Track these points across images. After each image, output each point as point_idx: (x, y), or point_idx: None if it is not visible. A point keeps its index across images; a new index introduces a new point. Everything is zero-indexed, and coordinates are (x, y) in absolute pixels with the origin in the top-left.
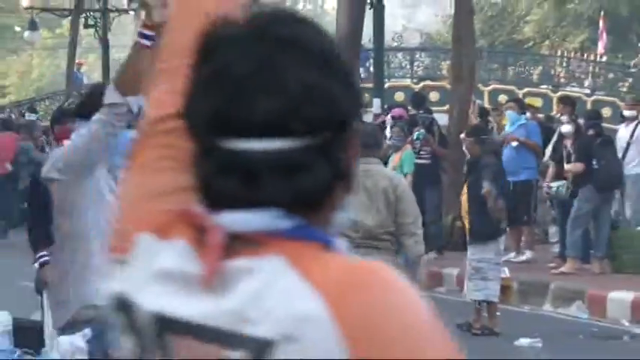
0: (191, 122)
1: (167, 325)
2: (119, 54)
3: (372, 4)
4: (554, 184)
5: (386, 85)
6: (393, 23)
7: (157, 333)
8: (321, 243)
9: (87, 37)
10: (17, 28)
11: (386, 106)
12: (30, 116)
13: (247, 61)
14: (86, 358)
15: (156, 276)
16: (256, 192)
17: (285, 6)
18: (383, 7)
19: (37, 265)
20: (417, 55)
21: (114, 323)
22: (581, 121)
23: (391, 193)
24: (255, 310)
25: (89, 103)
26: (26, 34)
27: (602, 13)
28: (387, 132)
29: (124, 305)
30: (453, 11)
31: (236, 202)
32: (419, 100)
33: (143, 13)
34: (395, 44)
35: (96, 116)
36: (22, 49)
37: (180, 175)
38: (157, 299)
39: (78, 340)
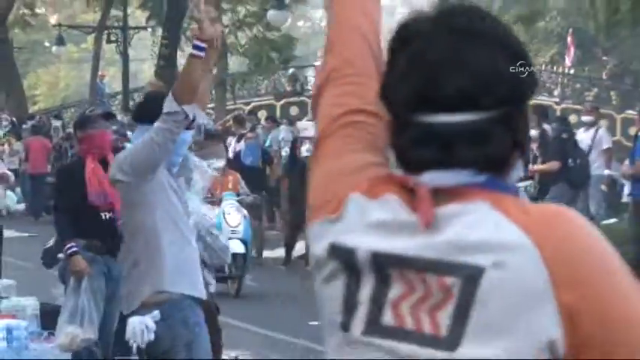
0: (392, 102)
1: (386, 261)
2: (137, 66)
3: None
4: (522, 184)
5: None
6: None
7: (377, 268)
8: (510, 193)
9: (109, 51)
10: (46, 44)
11: None
12: (55, 122)
13: (441, 49)
14: (152, 337)
15: (370, 226)
16: (451, 157)
17: (469, 1)
18: None
19: (63, 255)
20: None
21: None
22: (547, 126)
23: None
24: (467, 242)
25: (146, 110)
26: (54, 48)
27: (570, 30)
28: None
29: (340, 251)
30: None
31: (433, 165)
32: None
33: (195, 27)
34: None
35: (156, 123)
36: (50, 62)
37: (366, 154)
38: (375, 242)
39: (148, 320)
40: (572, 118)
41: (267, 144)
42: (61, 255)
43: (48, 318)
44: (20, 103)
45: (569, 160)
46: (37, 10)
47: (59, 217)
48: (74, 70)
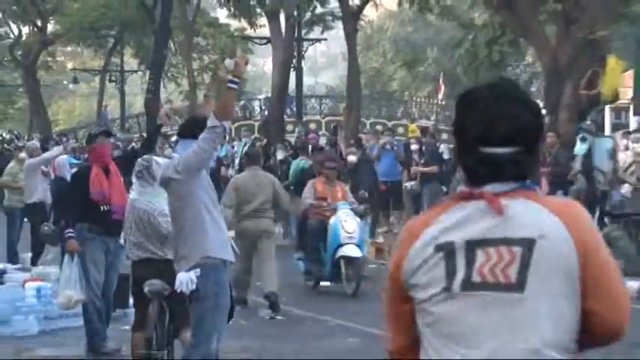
0: (466, 139)
1: (474, 243)
2: (131, 99)
3: (294, 67)
4: (408, 184)
5: (304, 119)
6: (308, 80)
7: (469, 249)
8: (535, 190)
9: (110, 88)
10: (65, 82)
11: (304, 132)
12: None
13: (497, 108)
14: (194, 287)
15: (455, 224)
16: (502, 174)
17: (508, 79)
18: (301, 69)
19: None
20: (324, 100)
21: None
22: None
23: (272, 185)
24: (521, 225)
25: (188, 128)
26: (71, 86)
27: (441, 73)
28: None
29: (440, 246)
30: (347, 72)
31: (490, 180)
32: (333, 129)
33: (229, 65)
34: (309, 93)
35: (202, 135)
36: (68, 96)
37: None
38: (461, 233)
39: (192, 275)
40: (444, 136)
41: (222, 154)
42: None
43: None
44: (46, 126)
45: (444, 166)
46: (58, 58)
47: (66, 208)
48: (85, 102)
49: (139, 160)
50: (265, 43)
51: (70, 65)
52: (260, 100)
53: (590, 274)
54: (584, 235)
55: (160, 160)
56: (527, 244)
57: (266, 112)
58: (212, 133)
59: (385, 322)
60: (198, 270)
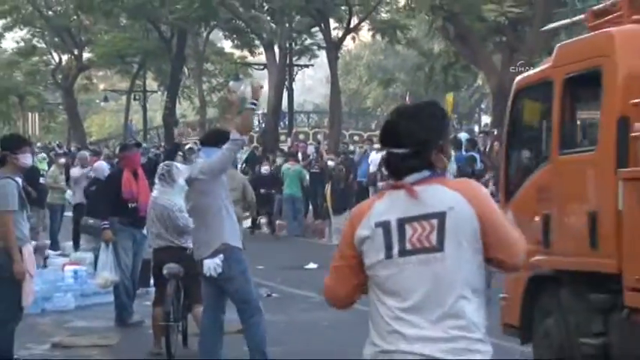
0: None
1: (403, 221)
2: (152, 114)
3: (286, 88)
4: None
5: (294, 130)
6: (298, 98)
7: (399, 226)
8: (442, 175)
9: (135, 105)
10: (97, 100)
11: (295, 142)
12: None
13: (393, 122)
14: (220, 270)
15: (388, 208)
16: (406, 168)
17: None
18: (292, 89)
19: (102, 228)
20: (311, 115)
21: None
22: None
23: (242, 183)
24: (435, 201)
25: (211, 138)
26: (102, 103)
27: (407, 92)
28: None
29: (378, 223)
30: (330, 92)
31: (405, 173)
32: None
33: (233, 86)
34: (299, 109)
35: (226, 145)
36: (100, 112)
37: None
38: (393, 214)
39: (217, 261)
40: None
41: None
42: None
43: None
44: (81, 137)
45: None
46: (93, 80)
47: (100, 203)
48: (114, 117)
49: (162, 165)
50: (262, 69)
51: (101, 86)
52: (258, 115)
53: (490, 232)
54: (479, 203)
55: (178, 165)
56: (441, 216)
57: (263, 125)
58: (234, 144)
59: (330, 275)
60: (221, 255)
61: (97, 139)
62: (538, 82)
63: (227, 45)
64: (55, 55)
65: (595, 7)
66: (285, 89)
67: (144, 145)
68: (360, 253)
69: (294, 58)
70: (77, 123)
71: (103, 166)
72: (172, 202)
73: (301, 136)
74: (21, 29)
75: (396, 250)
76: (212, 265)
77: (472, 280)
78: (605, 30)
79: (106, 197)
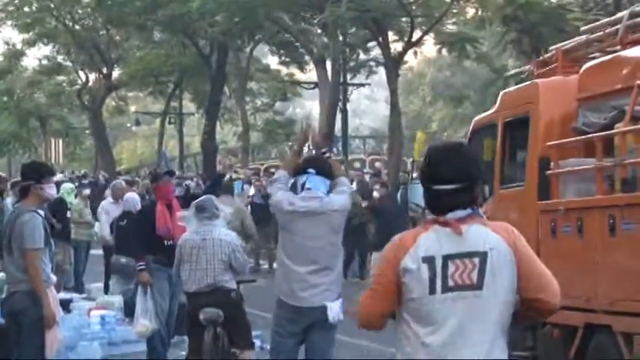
0: (423, 182)
1: (447, 257)
2: (189, 140)
3: (340, 109)
4: None
5: (349, 158)
6: (353, 121)
7: (444, 262)
8: (482, 217)
9: (170, 129)
10: (128, 124)
11: (349, 171)
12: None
13: (442, 159)
14: (341, 318)
15: (433, 243)
16: (452, 204)
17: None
18: (347, 112)
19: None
20: (367, 140)
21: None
22: None
23: (241, 213)
24: (478, 241)
25: (324, 165)
26: (133, 128)
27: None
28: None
29: (425, 258)
30: (389, 114)
31: (448, 210)
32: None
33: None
34: (353, 134)
35: (341, 184)
36: (130, 137)
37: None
38: (438, 250)
39: (339, 305)
40: None
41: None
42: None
43: (129, 310)
44: (110, 164)
45: None
46: (121, 102)
47: (134, 240)
48: (146, 142)
49: (206, 199)
50: (313, 88)
51: (132, 109)
52: (301, 122)
53: (529, 274)
54: (517, 246)
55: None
56: (483, 256)
57: (314, 152)
58: (284, 181)
59: (368, 295)
60: (341, 299)
61: (128, 167)
62: (488, 124)
63: (273, 61)
64: (81, 73)
65: (539, 59)
66: (338, 111)
67: (177, 173)
68: (400, 283)
69: (348, 76)
70: (105, 149)
71: (134, 198)
72: (234, 238)
73: (356, 164)
74: (45, 44)
75: (439, 286)
76: (337, 310)
77: (502, 320)
78: (533, 81)
79: (140, 233)
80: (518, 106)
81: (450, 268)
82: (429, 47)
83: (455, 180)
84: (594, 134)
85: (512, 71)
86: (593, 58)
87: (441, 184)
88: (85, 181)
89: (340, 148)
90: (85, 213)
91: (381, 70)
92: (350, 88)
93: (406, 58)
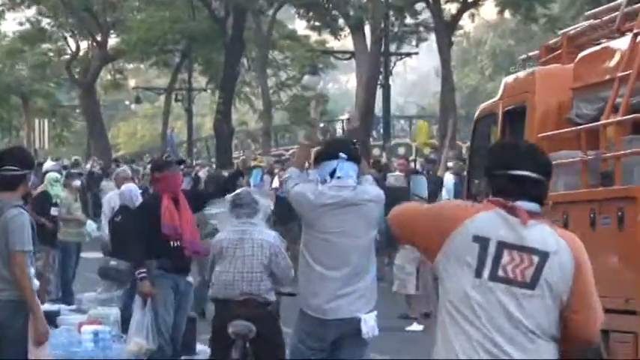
0: (502, 165)
1: (503, 245)
2: (199, 120)
3: (381, 84)
4: None
5: (392, 142)
6: (397, 98)
7: (498, 248)
8: (548, 220)
9: (176, 108)
10: (126, 102)
11: (392, 158)
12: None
13: (527, 150)
14: (376, 333)
15: (492, 224)
16: (529, 193)
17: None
18: (389, 86)
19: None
20: (414, 121)
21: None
22: None
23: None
24: (541, 241)
25: (354, 152)
26: (133, 106)
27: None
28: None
29: (478, 238)
30: (440, 90)
31: (521, 197)
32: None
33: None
34: (397, 113)
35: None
36: (129, 117)
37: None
38: (494, 234)
39: (375, 318)
40: None
41: None
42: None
43: (127, 325)
44: (105, 150)
45: None
46: (118, 76)
47: (133, 243)
48: (148, 124)
49: (243, 192)
50: (349, 58)
51: (132, 83)
52: (342, 121)
53: (579, 290)
54: (581, 258)
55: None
56: (543, 256)
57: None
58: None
59: (405, 211)
60: (376, 312)
61: (126, 153)
62: (490, 112)
63: (300, 26)
64: (70, 41)
65: (548, 43)
66: (379, 86)
67: (187, 161)
68: (441, 243)
69: (391, 45)
70: (99, 132)
71: (131, 190)
72: (276, 239)
73: (401, 150)
74: (27, 7)
75: (487, 272)
76: (373, 323)
77: (552, 327)
78: (531, 69)
79: (139, 233)
80: (516, 95)
81: (504, 258)
82: (489, 9)
83: (539, 171)
84: (581, 126)
85: (523, 56)
86: (599, 45)
87: (528, 171)
88: (75, 171)
89: (381, 131)
90: (75, 208)
91: (432, 37)
92: (393, 59)
93: (461, 22)
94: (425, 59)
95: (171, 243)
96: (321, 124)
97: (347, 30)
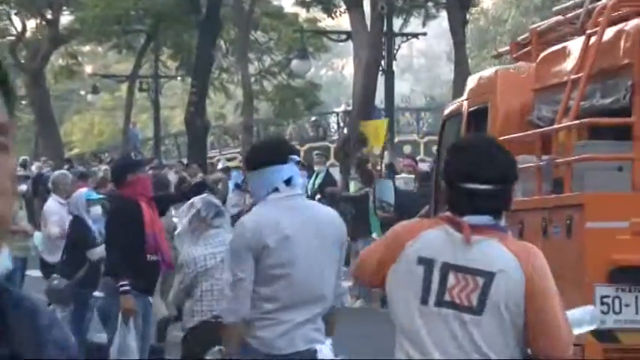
0: (451, 176)
1: (448, 267)
2: (168, 113)
3: (383, 70)
4: None
5: (395, 140)
6: (402, 87)
7: (443, 270)
8: (504, 232)
9: (141, 99)
10: (82, 92)
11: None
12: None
13: (483, 154)
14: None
15: (437, 243)
16: (480, 207)
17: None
18: (392, 73)
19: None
20: (423, 114)
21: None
22: None
23: None
24: (486, 260)
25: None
26: (89, 97)
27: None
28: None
29: (423, 260)
30: (453, 77)
31: (469, 212)
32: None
33: None
34: (403, 105)
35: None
36: (85, 110)
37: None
38: (440, 255)
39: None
40: None
41: None
42: (97, 293)
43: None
44: (57, 148)
45: None
46: (72, 61)
47: (114, 254)
48: (108, 117)
49: (203, 198)
50: (345, 40)
51: (88, 70)
52: (338, 114)
53: (535, 309)
54: (534, 273)
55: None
56: (488, 277)
57: (345, 131)
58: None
59: (367, 256)
60: (330, 340)
61: (82, 152)
62: (457, 112)
63: (288, 3)
64: (15, 19)
65: (518, 39)
66: (380, 73)
67: (156, 161)
68: (389, 280)
69: (395, 23)
70: (50, 127)
71: (80, 197)
72: (218, 257)
73: (407, 148)
74: None
75: (433, 297)
76: (329, 353)
77: (504, 354)
78: (493, 68)
79: (120, 242)
80: (479, 95)
81: (449, 281)
82: None
83: (493, 181)
84: (535, 130)
85: (494, 53)
86: (564, 42)
87: (477, 183)
88: (21, 173)
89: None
90: (19, 217)
91: (443, 15)
92: (397, 40)
93: None
94: (435, 41)
95: (148, 256)
96: (313, 118)
97: (342, 6)
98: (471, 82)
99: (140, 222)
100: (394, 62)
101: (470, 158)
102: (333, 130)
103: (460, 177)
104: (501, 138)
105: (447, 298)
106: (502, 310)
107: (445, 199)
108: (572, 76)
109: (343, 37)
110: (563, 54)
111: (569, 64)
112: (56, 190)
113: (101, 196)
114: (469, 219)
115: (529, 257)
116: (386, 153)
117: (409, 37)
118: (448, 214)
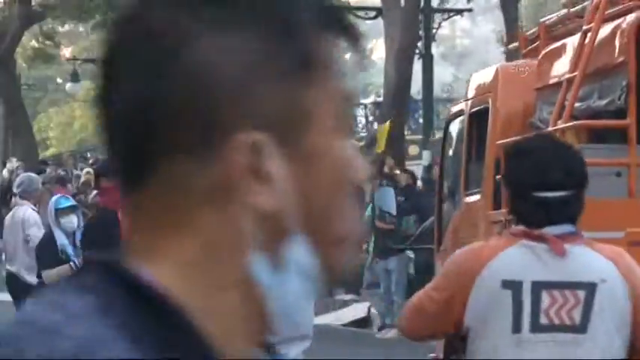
0: (518, 185)
1: (540, 285)
2: None
3: (420, 54)
4: None
5: (436, 137)
6: (443, 73)
7: (534, 291)
8: (586, 238)
9: None
10: (59, 80)
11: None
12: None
13: (551, 157)
14: None
15: (521, 263)
16: (557, 217)
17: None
18: (431, 56)
19: None
20: None
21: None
22: None
23: None
24: (584, 270)
25: None
26: (68, 85)
27: None
28: None
29: (508, 283)
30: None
31: (544, 223)
32: None
33: None
34: (445, 95)
35: None
36: (63, 101)
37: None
38: (528, 274)
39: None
40: None
41: None
42: None
43: None
44: (30, 147)
45: None
46: (48, 42)
47: None
48: (90, 110)
49: None
50: (375, 17)
51: (66, 53)
52: (366, 106)
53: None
54: (634, 279)
55: None
56: (590, 288)
57: (375, 126)
58: None
59: (413, 311)
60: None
61: (59, 152)
62: (460, 113)
63: None
64: None
65: (527, 34)
66: (417, 57)
67: None
68: (466, 323)
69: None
70: (21, 121)
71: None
72: None
73: None
74: None
75: (527, 323)
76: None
77: None
78: (494, 66)
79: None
80: (480, 95)
81: (543, 301)
82: None
83: (567, 185)
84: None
85: (503, 49)
86: (571, 37)
87: (550, 191)
88: None
89: (420, 121)
90: None
91: None
92: (437, 18)
93: None
94: (482, 18)
95: None
96: None
97: None
98: (472, 81)
99: (116, 237)
100: (433, 44)
101: (537, 163)
102: (360, 125)
103: (529, 185)
104: (502, 141)
105: (543, 320)
106: (608, 323)
107: (513, 210)
108: (567, 76)
109: (372, 13)
110: (564, 51)
111: (567, 62)
112: (25, 195)
113: (72, 203)
114: (550, 230)
115: (624, 259)
116: (424, 153)
117: (451, 14)
118: (522, 227)
